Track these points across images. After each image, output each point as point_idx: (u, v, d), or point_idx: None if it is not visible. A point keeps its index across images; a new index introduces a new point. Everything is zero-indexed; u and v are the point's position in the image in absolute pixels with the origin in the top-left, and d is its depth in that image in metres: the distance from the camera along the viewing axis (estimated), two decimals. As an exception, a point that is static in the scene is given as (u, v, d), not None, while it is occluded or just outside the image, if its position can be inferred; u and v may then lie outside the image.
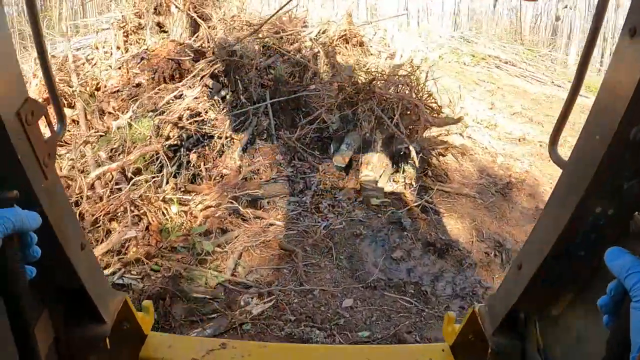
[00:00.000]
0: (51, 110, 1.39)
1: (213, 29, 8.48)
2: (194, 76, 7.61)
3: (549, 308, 1.50)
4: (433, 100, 7.95)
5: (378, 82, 7.71)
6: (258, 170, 7.39)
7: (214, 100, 7.71)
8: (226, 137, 7.56)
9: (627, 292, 0.80)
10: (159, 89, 7.46)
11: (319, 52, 9.53)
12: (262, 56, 8.65)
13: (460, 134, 8.59)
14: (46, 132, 1.28)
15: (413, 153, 6.95)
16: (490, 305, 1.74)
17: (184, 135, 7.07)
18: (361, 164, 7.25)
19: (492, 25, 20.75)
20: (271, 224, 6.34)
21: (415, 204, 6.86)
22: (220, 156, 7.55)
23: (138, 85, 7.66)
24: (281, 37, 9.56)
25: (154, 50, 7.73)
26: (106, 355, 1.62)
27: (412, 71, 7.95)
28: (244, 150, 7.67)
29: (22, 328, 0.99)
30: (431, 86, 8.40)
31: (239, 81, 8.02)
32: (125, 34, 8.87)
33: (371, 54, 10.96)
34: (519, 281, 1.50)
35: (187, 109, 7.14)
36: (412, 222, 6.45)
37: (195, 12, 8.50)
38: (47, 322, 1.45)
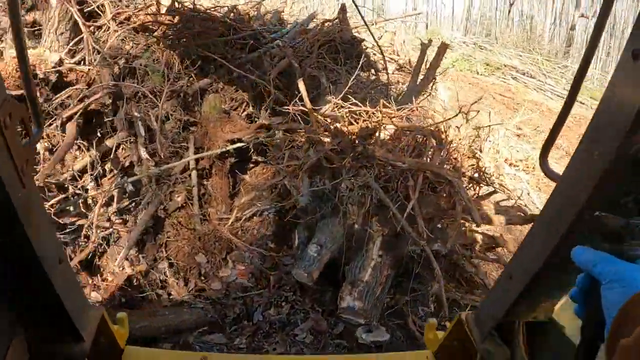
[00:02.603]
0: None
1: (105, 30, 4.95)
2: (47, 118, 4.22)
3: (538, 315, 1.59)
4: (477, 166, 4.66)
5: (383, 129, 4.81)
6: (164, 283, 4.54)
7: (90, 156, 4.70)
8: (106, 228, 4.68)
9: (596, 281, 0.94)
10: None
11: (291, 66, 6.02)
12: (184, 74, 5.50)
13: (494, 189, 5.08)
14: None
15: (437, 270, 4.11)
16: (478, 314, 1.81)
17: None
18: (342, 283, 4.31)
19: (506, 31, 19.02)
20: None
21: None
22: (90, 266, 4.65)
23: None
24: (229, 42, 5.98)
25: (-19, 73, 4.21)
26: None
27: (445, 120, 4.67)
28: (139, 245, 4.71)
29: None
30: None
31: (138, 122, 4.94)
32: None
33: (374, 71, 7.35)
34: (509, 290, 1.55)
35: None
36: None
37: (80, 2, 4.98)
38: (22, 342, 1.45)
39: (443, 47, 6.35)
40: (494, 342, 1.72)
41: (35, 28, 5.25)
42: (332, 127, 5.04)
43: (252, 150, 5.31)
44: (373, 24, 8.74)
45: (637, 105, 1.04)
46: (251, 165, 5.49)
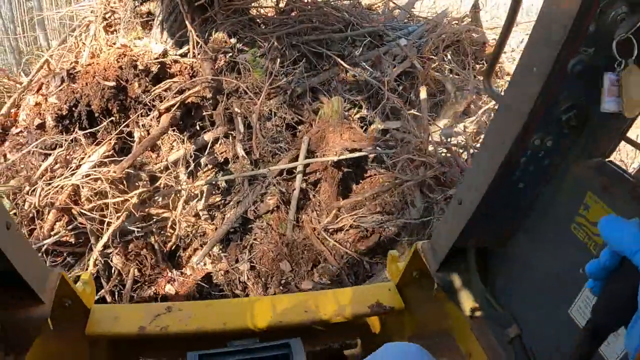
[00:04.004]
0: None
1: (211, 23, 4.89)
2: (144, 109, 4.26)
3: (491, 240, 1.62)
4: None
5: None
6: (243, 284, 4.40)
7: (186, 149, 4.69)
8: (192, 223, 4.61)
9: (628, 260, 0.79)
10: (66, 141, 4.54)
11: (413, 68, 5.63)
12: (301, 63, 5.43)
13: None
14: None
15: None
16: (433, 242, 1.85)
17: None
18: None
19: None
20: None
21: None
22: (172, 258, 4.57)
23: (41, 126, 4.79)
24: (346, 38, 5.70)
25: (89, 64, 4.35)
26: (52, 335, 1.66)
27: None
28: (223, 243, 4.60)
29: None
30: None
31: (238, 118, 4.89)
32: (107, 26, 5.71)
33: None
34: (460, 216, 1.58)
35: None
36: None
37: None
38: None
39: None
40: (448, 269, 1.78)
41: (149, 19, 5.29)
42: (443, 151, 4.88)
43: (369, 160, 5.07)
44: (516, 25, 7.83)
45: (572, 14, 1.08)
46: (358, 174, 5.08)
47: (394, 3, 7.66)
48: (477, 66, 6.46)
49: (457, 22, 7.00)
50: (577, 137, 1.30)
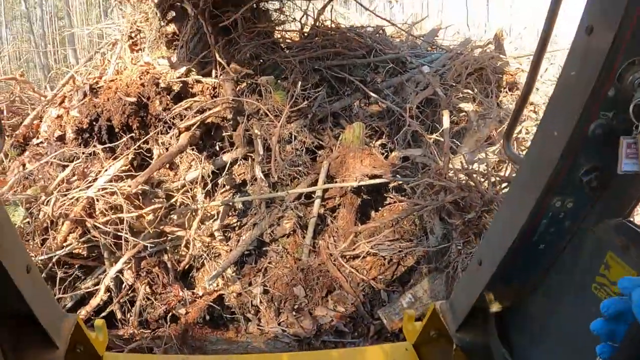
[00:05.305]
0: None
1: (234, 45, 4.89)
2: (164, 127, 4.18)
3: (510, 301, 1.59)
4: None
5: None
6: (256, 308, 4.33)
7: (204, 169, 4.67)
8: (207, 243, 4.54)
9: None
10: (84, 154, 4.59)
11: (436, 95, 5.58)
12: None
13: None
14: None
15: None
16: (452, 302, 1.85)
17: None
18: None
19: None
20: None
21: None
22: (185, 277, 4.56)
23: (61, 138, 4.85)
24: (369, 64, 5.64)
25: (112, 80, 4.37)
26: None
27: None
28: (237, 265, 4.58)
29: None
30: None
31: (257, 140, 4.86)
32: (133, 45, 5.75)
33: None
34: (479, 277, 1.59)
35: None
36: None
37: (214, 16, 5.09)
38: None
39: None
40: (469, 330, 1.75)
41: (174, 39, 5.35)
42: (464, 179, 4.73)
43: (389, 186, 4.96)
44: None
45: (591, 79, 1.10)
46: (377, 200, 5.01)
47: (416, 32, 7.70)
48: (500, 94, 6.39)
49: (480, 49, 6.95)
50: (597, 198, 1.30)
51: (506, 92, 6.63)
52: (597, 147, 1.20)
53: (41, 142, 5.04)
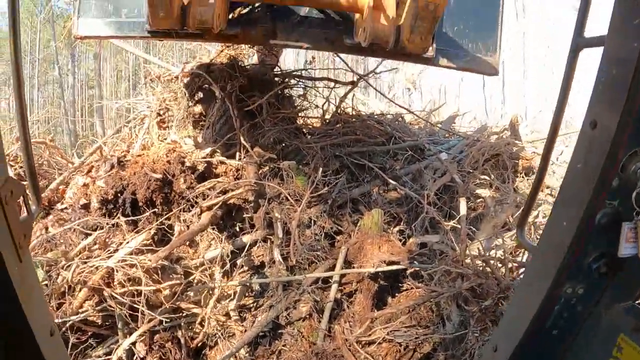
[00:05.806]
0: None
1: (258, 129, 5.08)
2: (187, 204, 4.46)
3: None
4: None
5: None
6: None
7: (224, 248, 4.75)
8: (222, 322, 4.57)
9: None
10: (108, 224, 4.71)
11: (453, 182, 5.77)
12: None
13: None
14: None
15: None
16: None
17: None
18: None
19: None
20: None
21: None
22: (197, 355, 4.55)
23: (85, 207, 4.98)
24: (388, 151, 5.79)
25: (140, 155, 4.50)
26: None
27: None
28: (251, 347, 4.54)
29: None
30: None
31: (277, 223, 4.96)
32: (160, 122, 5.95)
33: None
34: None
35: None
36: None
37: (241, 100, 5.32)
38: None
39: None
40: None
41: (201, 120, 5.55)
42: (481, 265, 4.80)
43: (406, 275, 4.99)
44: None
45: (597, 171, 1.16)
46: (394, 286, 5.02)
47: (434, 119, 7.90)
48: (517, 179, 6.47)
49: (496, 135, 7.10)
50: (608, 283, 1.35)
51: (522, 176, 6.73)
52: (605, 235, 1.26)
53: (65, 208, 5.17)
